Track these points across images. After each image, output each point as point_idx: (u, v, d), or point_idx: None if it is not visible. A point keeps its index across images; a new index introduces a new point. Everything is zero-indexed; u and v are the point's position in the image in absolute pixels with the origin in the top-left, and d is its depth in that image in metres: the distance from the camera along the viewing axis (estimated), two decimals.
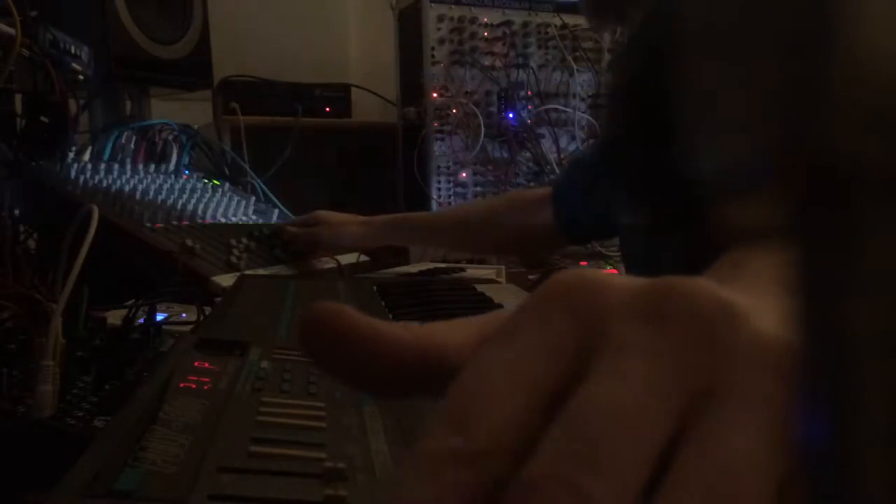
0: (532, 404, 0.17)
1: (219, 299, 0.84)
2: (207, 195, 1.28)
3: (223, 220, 1.25)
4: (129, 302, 0.76)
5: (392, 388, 0.21)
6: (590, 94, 1.79)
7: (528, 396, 0.17)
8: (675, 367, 0.17)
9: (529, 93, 1.73)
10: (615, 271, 1.44)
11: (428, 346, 0.20)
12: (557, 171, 1.68)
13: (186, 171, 1.39)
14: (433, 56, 1.69)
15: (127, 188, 1.15)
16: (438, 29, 1.69)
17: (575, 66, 1.76)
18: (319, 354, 0.20)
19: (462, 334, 0.21)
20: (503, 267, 1.41)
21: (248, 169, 1.49)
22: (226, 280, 0.97)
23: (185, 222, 1.14)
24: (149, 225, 1.06)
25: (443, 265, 1.34)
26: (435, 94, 1.69)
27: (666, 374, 0.17)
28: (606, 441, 0.16)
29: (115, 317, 0.77)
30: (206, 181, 1.38)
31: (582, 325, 0.18)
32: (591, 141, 1.74)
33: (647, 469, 0.16)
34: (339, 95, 1.91)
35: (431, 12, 1.68)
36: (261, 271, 1.09)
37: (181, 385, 0.38)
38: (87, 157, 1.26)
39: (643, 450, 0.16)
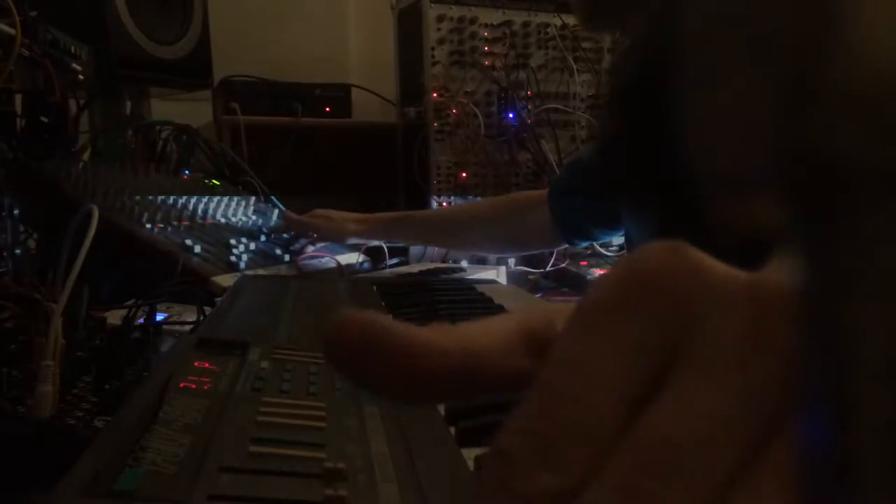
0: (615, 418, 0.16)
1: (219, 299, 0.84)
2: (207, 195, 1.28)
3: (223, 220, 1.25)
4: (129, 302, 0.76)
5: (431, 397, 0.19)
6: (590, 94, 1.79)
7: (610, 412, 0.16)
8: (764, 398, 0.15)
9: (529, 93, 1.73)
10: None
11: (469, 349, 0.18)
12: (557, 171, 1.68)
13: (186, 171, 1.39)
14: (433, 56, 1.68)
15: (127, 188, 1.15)
16: (438, 29, 1.69)
17: (575, 67, 1.76)
18: (349, 369, 0.18)
19: (501, 332, 0.19)
20: (503, 267, 1.41)
21: (248, 169, 1.49)
22: (226, 280, 0.97)
23: (185, 222, 1.14)
24: (149, 225, 1.06)
25: (443, 265, 1.34)
26: (435, 94, 1.69)
27: (752, 407, 0.15)
28: (674, 477, 0.14)
29: (115, 317, 0.77)
30: (206, 181, 1.38)
31: (674, 318, 0.16)
32: (591, 141, 1.74)
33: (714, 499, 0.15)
34: (339, 95, 1.91)
35: (431, 12, 1.68)
36: (261, 271, 1.09)
37: (181, 385, 0.38)
38: (87, 157, 1.26)
39: (707, 487, 0.15)
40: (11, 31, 0.92)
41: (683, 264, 0.17)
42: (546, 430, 0.15)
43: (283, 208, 1.40)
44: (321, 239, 1.27)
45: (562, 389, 0.16)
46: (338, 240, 1.29)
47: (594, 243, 1.43)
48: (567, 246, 1.34)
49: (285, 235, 1.28)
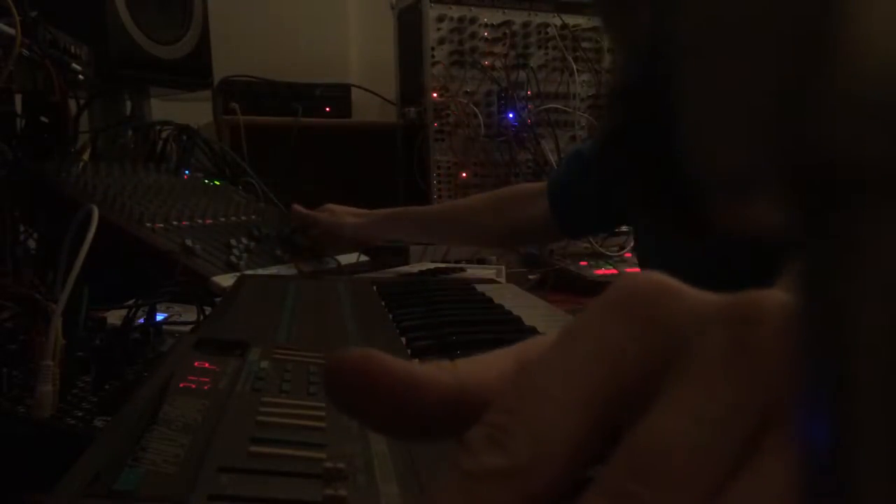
0: (581, 415, 0.16)
1: (219, 299, 0.84)
2: (207, 195, 1.28)
3: (223, 220, 1.25)
4: (129, 302, 0.76)
5: (432, 434, 0.19)
6: (590, 94, 1.79)
7: (576, 407, 0.16)
8: (752, 404, 0.16)
9: (529, 93, 1.73)
10: (615, 271, 1.44)
11: (468, 386, 0.19)
12: None
13: (186, 171, 1.39)
14: (433, 56, 1.69)
15: (127, 188, 1.15)
16: (438, 29, 1.69)
17: (575, 66, 1.76)
18: (351, 406, 0.18)
19: (500, 366, 0.19)
20: (503, 267, 1.41)
21: (248, 169, 1.49)
22: (226, 280, 0.97)
23: (185, 222, 1.14)
24: (149, 225, 1.06)
25: (443, 265, 1.34)
26: (435, 94, 1.69)
27: (740, 412, 0.16)
28: (669, 484, 0.15)
29: (115, 317, 0.77)
30: (206, 181, 1.38)
31: (650, 335, 0.17)
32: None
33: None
34: (339, 95, 1.91)
35: (431, 12, 1.68)
36: (261, 271, 1.09)
37: (181, 385, 0.38)
38: (87, 157, 1.26)
39: (697, 492, 0.15)
40: (11, 31, 0.92)
41: (657, 289, 0.18)
42: (502, 421, 0.16)
43: (284, 209, 1.40)
44: (322, 232, 1.27)
45: (520, 392, 0.17)
46: (337, 233, 1.28)
47: (591, 238, 1.43)
48: (567, 240, 1.34)
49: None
